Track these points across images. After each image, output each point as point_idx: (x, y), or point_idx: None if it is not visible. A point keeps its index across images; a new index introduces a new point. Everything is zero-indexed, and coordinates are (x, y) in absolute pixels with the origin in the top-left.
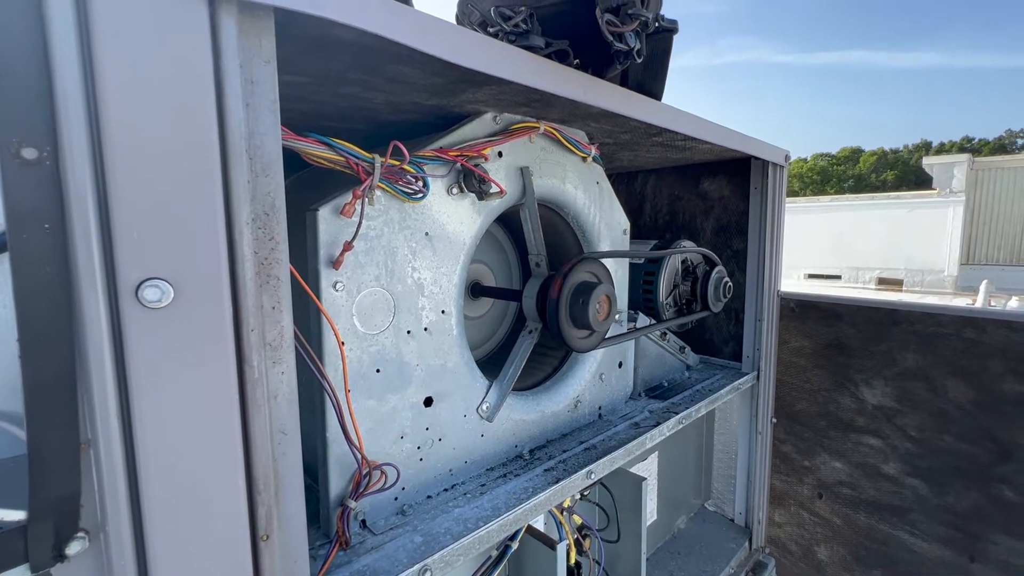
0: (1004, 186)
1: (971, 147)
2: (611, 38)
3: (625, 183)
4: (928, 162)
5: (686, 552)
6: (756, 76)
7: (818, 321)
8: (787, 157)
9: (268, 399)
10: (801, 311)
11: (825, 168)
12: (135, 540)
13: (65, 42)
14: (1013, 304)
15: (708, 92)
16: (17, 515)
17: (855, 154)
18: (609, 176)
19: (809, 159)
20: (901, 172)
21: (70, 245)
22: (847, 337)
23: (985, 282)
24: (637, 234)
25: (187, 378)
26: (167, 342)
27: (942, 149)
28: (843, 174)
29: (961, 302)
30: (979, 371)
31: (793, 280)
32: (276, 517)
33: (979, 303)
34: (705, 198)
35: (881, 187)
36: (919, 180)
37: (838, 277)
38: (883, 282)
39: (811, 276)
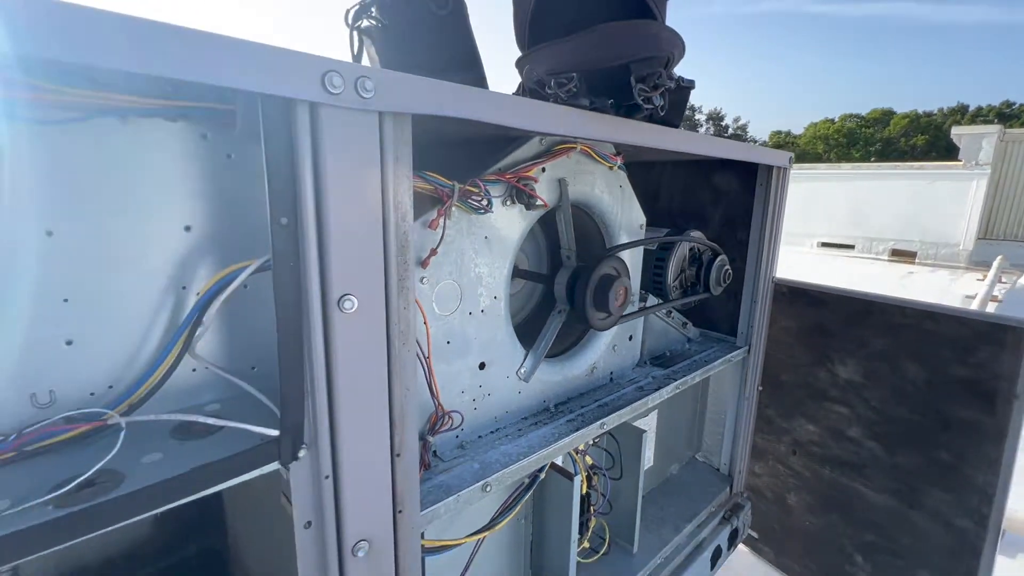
0: None
1: (1010, 112)
2: (641, 101)
3: (643, 173)
4: (957, 132)
5: (676, 492)
6: (791, 27)
7: (805, 305)
8: (791, 159)
9: (401, 368)
10: (791, 296)
11: (853, 130)
12: (332, 451)
13: (303, 150)
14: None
15: (736, 43)
16: (273, 432)
17: (886, 116)
18: (628, 166)
19: (837, 120)
20: (933, 137)
21: (303, 273)
22: (828, 321)
23: (999, 257)
24: (651, 220)
25: (362, 354)
26: (354, 333)
27: (979, 114)
28: (871, 137)
29: (971, 276)
30: (932, 356)
31: (805, 248)
32: (404, 442)
33: (988, 279)
34: (715, 191)
35: (909, 153)
36: (950, 147)
37: (852, 247)
38: (896, 253)
39: (824, 245)
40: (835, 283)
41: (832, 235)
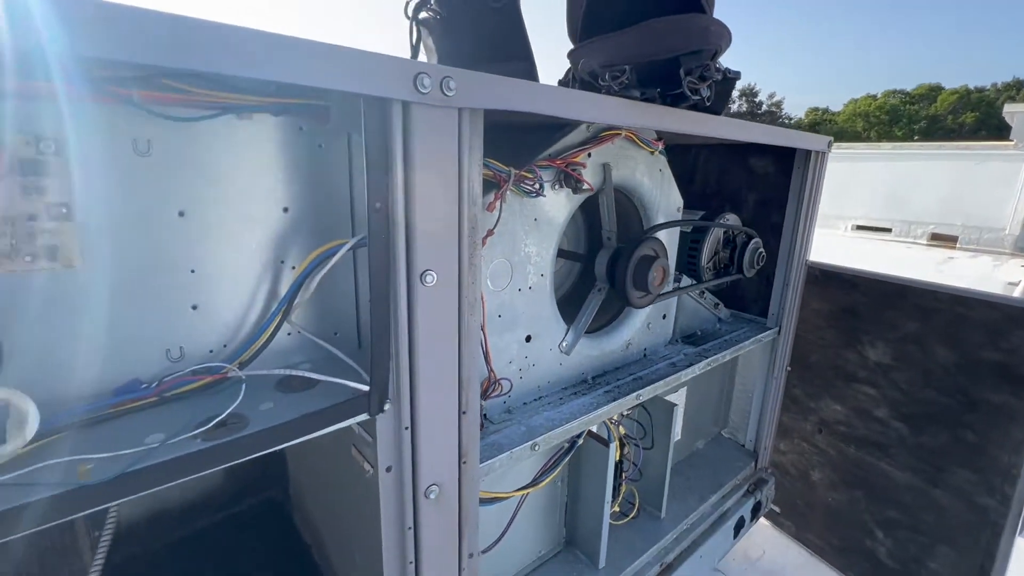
0: None
1: None
2: (689, 93)
3: (680, 155)
4: (1010, 110)
5: (702, 465)
6: None
7: (837, 288)
8: (829, 143)
9: (468, 335)
10: (824, 278)
11: (896, 107)
12: (411, 405)
13: (396, 143)
14: None
15: (774, 13)
16: (364, 388)
17: (933, 92)
18: (666, 148)
19: (880, 96)
20: (983, 115)
21: (392, 251)
22: (860, 304)
23: None
24: (687, 203)
25: (439, 322)
26: (433, 304)
27: None
28: (916, 115)
29: (1016, 263)
30: (963, 340)
31: (839, 232)
32: (469, 401)
33: None
34: (751, 173)
35: (957, 131)
36: (1001, 126)
37: (888, 230)
38: (936, 238)
39: (859, 228)
40: (868, 268)
41: (868, 218)
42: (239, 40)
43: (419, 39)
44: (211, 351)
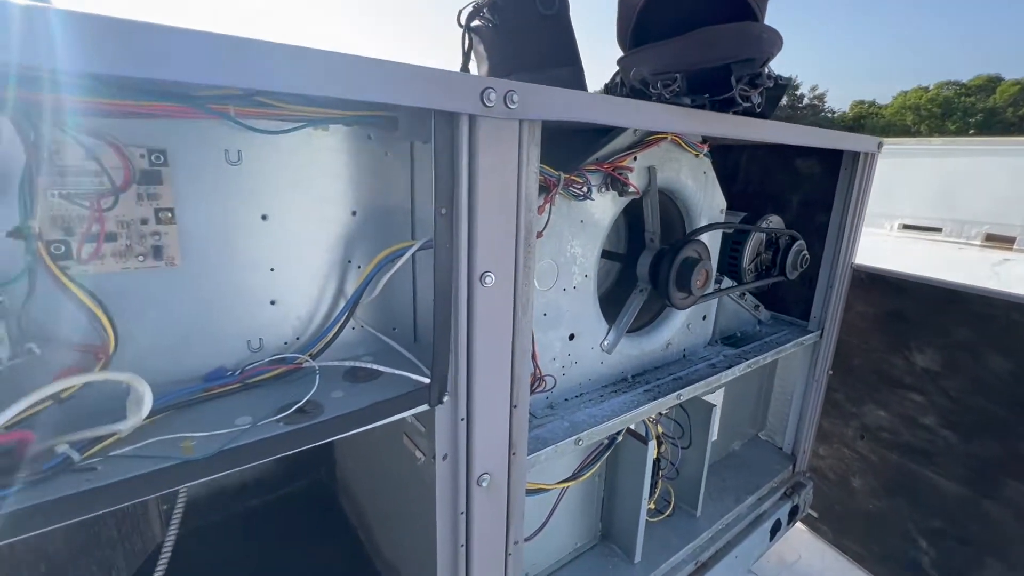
0: None
1: None
2: (741, 100)
3: (723, 156)
4: None
5: (738, 466)
6: None
7: (884, 292)
8: (880, 144)
9: (521, 333)
10: (870, 282)
11: (950, 99)
12: (467, 398)
13: (462, 153)
14: None
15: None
16: (425, 380)
17: (991, 83)
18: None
19: (932, 88)
20: None
21: (455, 253)
22: (908, 309)
23: None
24: (729, 204)
25: (495, 321)
26: (490, 304)
27: None
28: (972, 107)
29: None
30: (1019, 348)
31: (884, 231)
32: (519, 395)
33: None
34: (796, 174)
35: (1017, 125)
36: None
37: (939, 230)
38: (991, 238)
39: (906, 227)
40: (917, 269)
41: (916, 217)
42: (325, 63)
43: (471, 46)
44: (285, 343)
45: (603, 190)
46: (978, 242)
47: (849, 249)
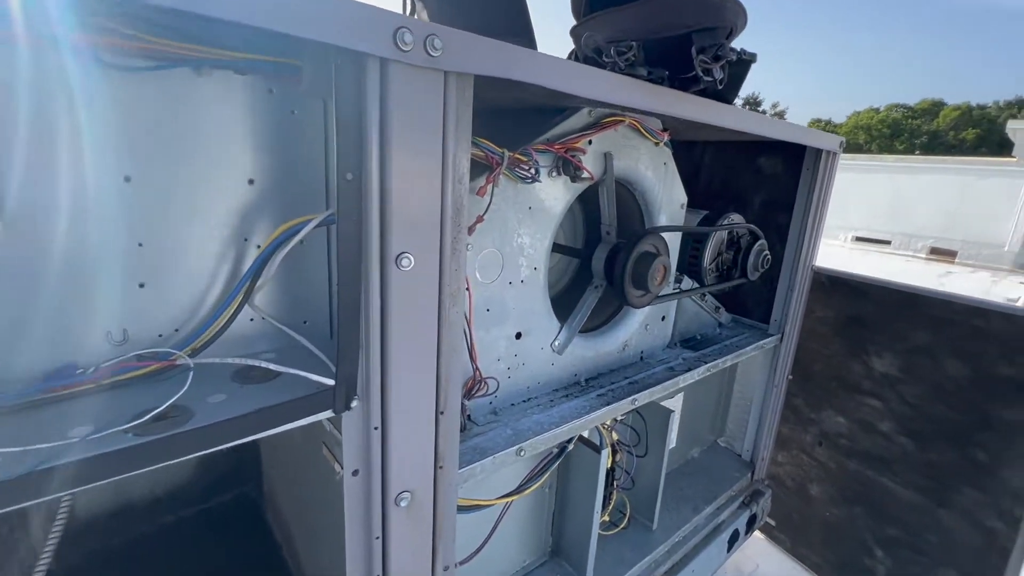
0: None
1: None
2: (700, 72)
3: (685, 152)
4: (1012, 127)
5: (697, 474)
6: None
7: (844, 296)
8: (842, 144)
9: (450, 328)
10: (831, 285)
11: (898, 121)
12: (382, 403)
13: (372, 105)
14: None
15: (775, 20)
16: (329, 382)
17: (935, 107)
18: (671, 144)
19: (882, 109)
20: (985, 132)
21: (365, 229)
22: (868, 313)
23: None
24: (691, 201)
25: (415, 312)
26: (409, 291)
27: None
28: (917, 129)
29: (1015, 279)
30: (978, 354)
31: (839, 242)
32: (448, 400)
33: None
34: (759, 173)
35: (958, 147)
36: (1002, 143)
37: (888, 242)
38: (935, 252)
39: (859, 239)
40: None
41: (868, 229)
42: None
43: (413, 11)
44: (160, 335)
45: (554, 174)
46: (923, 255)
47: (810, 251)
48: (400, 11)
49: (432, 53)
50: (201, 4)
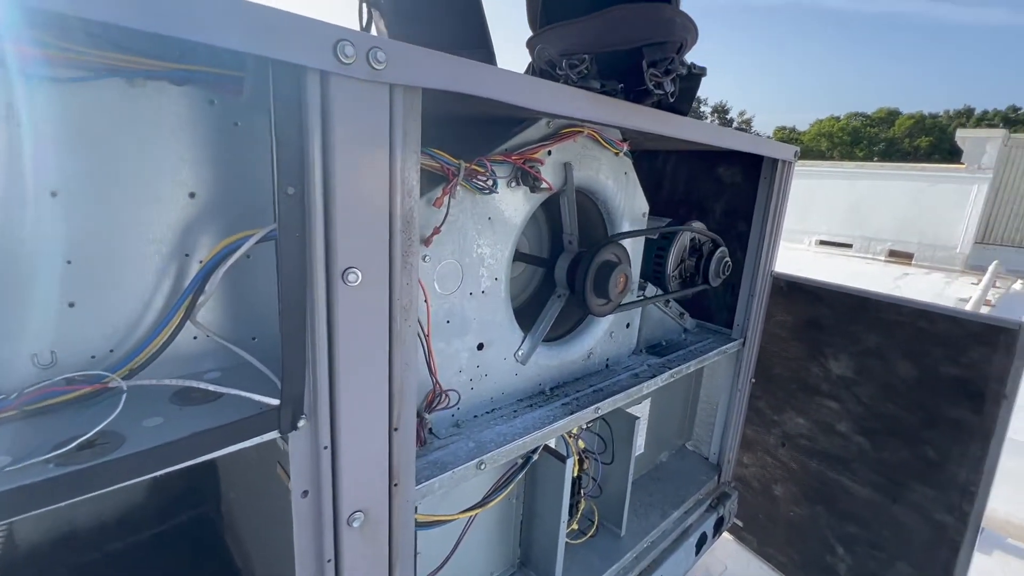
0: None
1: (1016, 117)
2: (651, 86)
3: (648, 161)
4: (961, 135)
5: (665, 479)
6: (803, 21)
7: (802, 301)
8: (796, 154)
9: (402, 343)
10: (789, 291)
11: (858, 128)
12: (331, 422)
13: (312, 119)
14: (1017, 287)
15: (745, 36)
16: (274, 402)
17: (891, 116)
18: (633, 154)
19: (843, 118)
20: (937, 139)
21: (309, 244)
22: (824, 317)
23: (995, 263)
24: (653, 210)
25: (364, 328)
26: (357, 307)
27: (984, 117)
28: (875, 137)
29: (966, 280)
30: (924, 355)
31: (803, 246)
32: (402, 416)
33: (983, 283)
34: (719, 182)
35: (912, 154)
36: (953, 150)
37: (849, 246)
38: (894, 254)
39: (822, 243)
40: (830, 280)
41: (831, 233)
42: None
43: (370, 23)
44: (93, 357)
45: (513, 184)
46: (883, 257)
47: (769, 257)
48: (357, 22)
49: (375, 66)
50: (100, 9)
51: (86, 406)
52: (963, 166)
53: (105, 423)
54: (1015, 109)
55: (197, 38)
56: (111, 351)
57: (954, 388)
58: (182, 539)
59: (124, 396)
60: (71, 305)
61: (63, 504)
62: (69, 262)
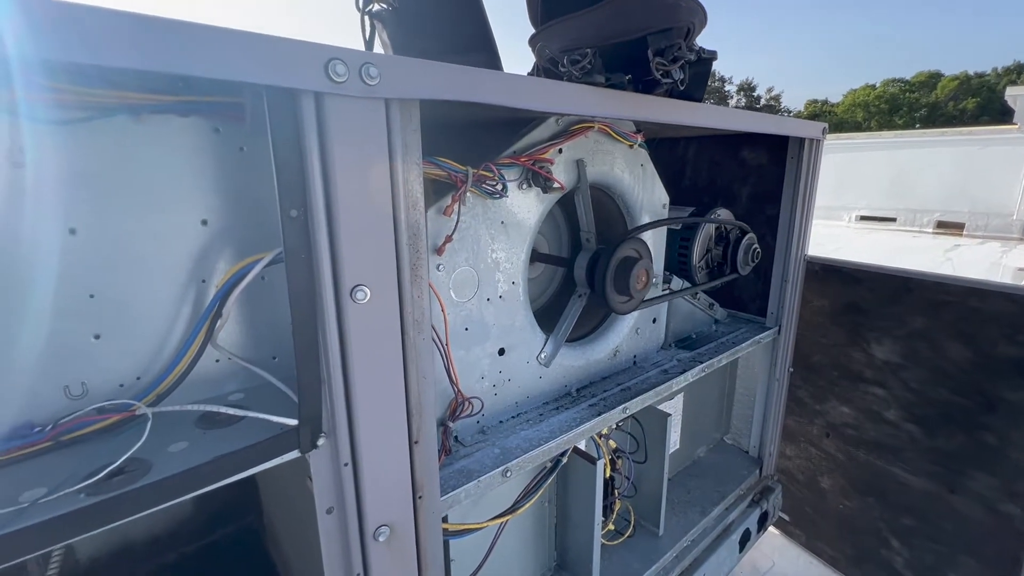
0: None
1: None
2: (658, 75)
3: (668, 149)
4: (1012, 93)
5: (704, 475)
6: None
7: (839, 284)
8: (824, 130)
9: (417, 356)
10: (824, 274)
11: (896, 96)
12: (350, 439)
13: (310, 141)
14: None
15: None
16: (292, 422)
17: (932, 79)
18: (652, 143)
19: (879, 85)
20: (985, 100)
21: (315, 265)
22: (864, 299)
23: None
24: (676, 199)
25: (376, 343)
26: (367, 323)
27: None
28: (916, 103)
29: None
30: (977, 335)
31: (843, 223)
32: (421, 428)
33: None
34: (744, 165)
35: (958, 117)
36: (1004, 110)
37: (893, 220)
38: (942, 225)
39: (863, 218)
40: (874, 258)
41: (872, 208)
42: (95, 20)
43: (373, 34)
44: (121, 385)
45: (524, 186)
46: (930, 229)
47: (801, 240)
48: (360, 35)
49: (368, 82)
50: (105, 54)
51: (116, 433)
52: (1015, 126)
53: (132, 451)
54: None
55: (189, 72)
56: (138, 378)
57: (1013, 369)
58: (228, 550)
59: (149, 424)
60: (97, 337)
61: (98, 531)
62: (92, 296)
